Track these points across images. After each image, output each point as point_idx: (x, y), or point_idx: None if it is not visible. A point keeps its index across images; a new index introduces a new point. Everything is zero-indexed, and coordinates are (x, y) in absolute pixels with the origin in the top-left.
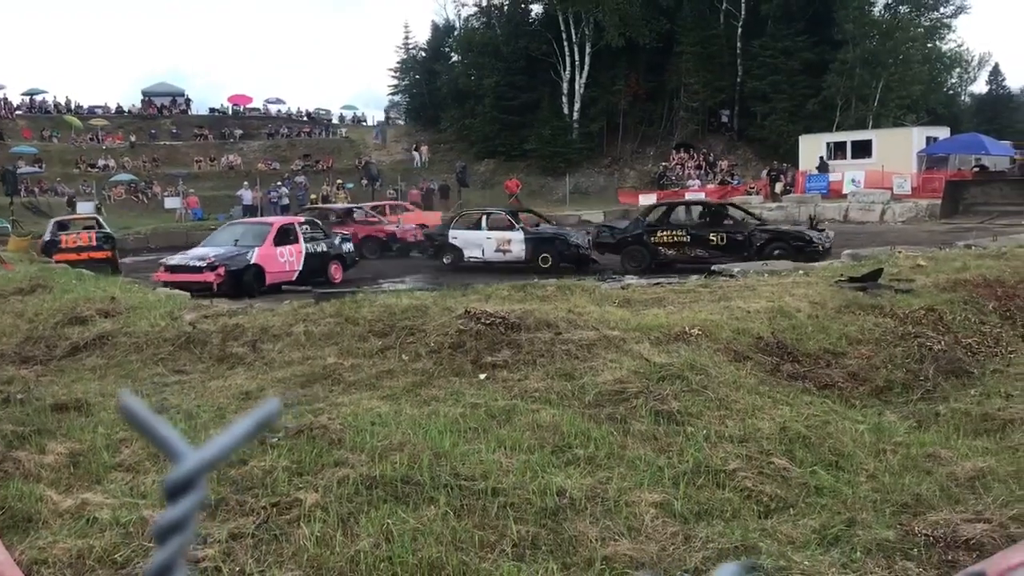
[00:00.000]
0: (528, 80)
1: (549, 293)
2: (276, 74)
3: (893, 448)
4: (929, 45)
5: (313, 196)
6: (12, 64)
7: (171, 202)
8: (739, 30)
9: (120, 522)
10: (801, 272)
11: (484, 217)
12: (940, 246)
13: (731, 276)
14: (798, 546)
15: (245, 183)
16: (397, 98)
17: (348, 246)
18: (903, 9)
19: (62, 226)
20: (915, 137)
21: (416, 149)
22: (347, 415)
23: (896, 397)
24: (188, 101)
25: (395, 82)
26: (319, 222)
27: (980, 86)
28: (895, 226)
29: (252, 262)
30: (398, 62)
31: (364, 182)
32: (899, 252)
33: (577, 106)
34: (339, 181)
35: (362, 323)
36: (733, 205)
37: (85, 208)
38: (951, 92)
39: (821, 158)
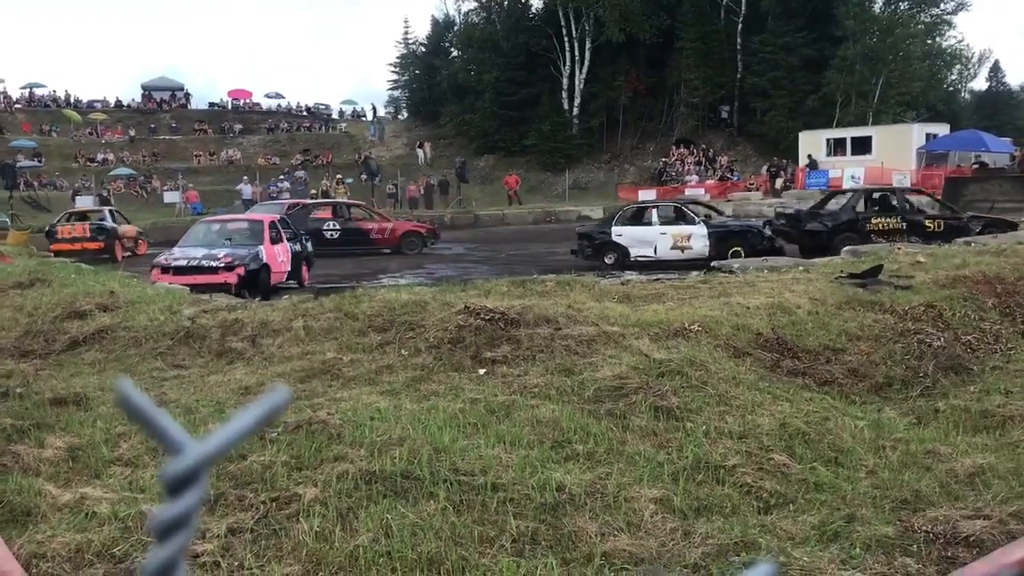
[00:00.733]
0: (528, 75)
1: (548, 289)
2: (276, 69)
3: (893, 444)
4: (929, 41)
5: (313, 191)
6: (11, 58)
7: (170, 196)
8: (739, 26)
9: (119, 516)
10: (801, 268)
11: (653, 210)
12: (939, 243)
13: (731, 272)
14: (797, 542)
15: (245, 178)
16: (396, 93)
17: (310, 245)
18: (903, 5)
19: (79, 217)
20: (915, 134)
21: (420, 146)
22: (346, 410)
23: (896, 393)
24: (188, 96)
25: (395, 77)
26: (288, 220)
27: (980, 83)
28: None
29: (264, 261)
30: (398, 57)
31: (363, 177)
32: (899, 249)
33: (577, 101)
34: (339, 176)
35: (361, 318)
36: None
37: (85, 202)
38: (951, 89)
39: (810, 156)
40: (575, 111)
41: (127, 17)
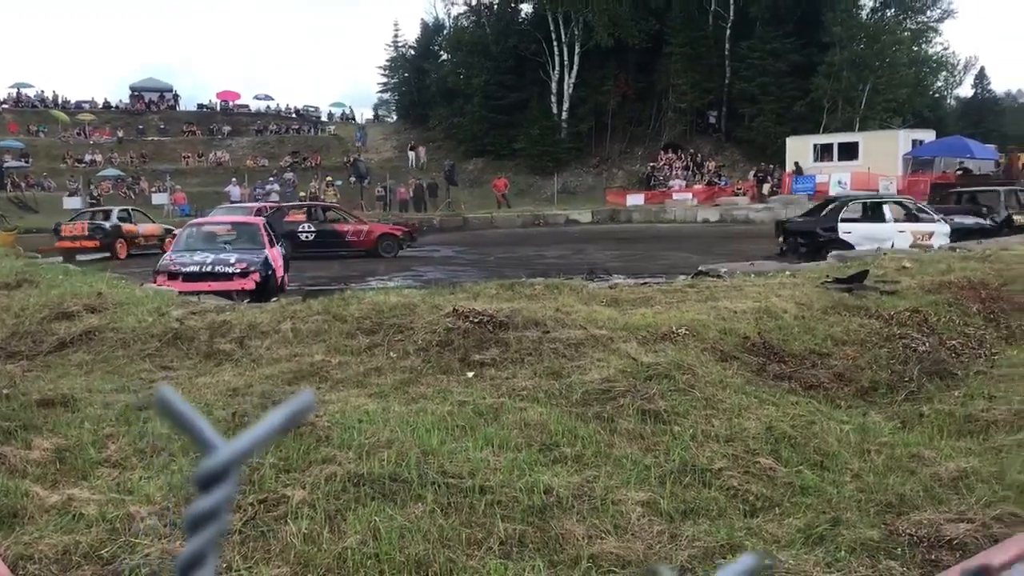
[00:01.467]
0: (517, 79)
1: (537, 292)
2: (265, 71)
3: (878, 448)
4: (915, 48)
5: (302, 193)
6: None
7: (158, 198)
8: (727, 31)
9: (106, 518)
10: (788, 273)
11: (884, 206)
12: (925, 248)
13: (718, 276)
14: (783, 545)
15: (233, 179)
16: (386, 96)
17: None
18: (890, 12)
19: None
20: (901, 140)
21: (412, 149)
22: (334, 412)
23: (881, 398)
24: (176, 97)
25: (384, 80)
26: (269, 223)
27: (966, 90)
28: None
29: (273, 266)
30: (387, 60)
31: (352, 179)
32: (884, 254)
33: (566, 106)
34: (328, 178)
35: (350, 320)
36: None
37: (72, 204)
38: (937, 95)
39: (796, 163)
40: (564, 115)
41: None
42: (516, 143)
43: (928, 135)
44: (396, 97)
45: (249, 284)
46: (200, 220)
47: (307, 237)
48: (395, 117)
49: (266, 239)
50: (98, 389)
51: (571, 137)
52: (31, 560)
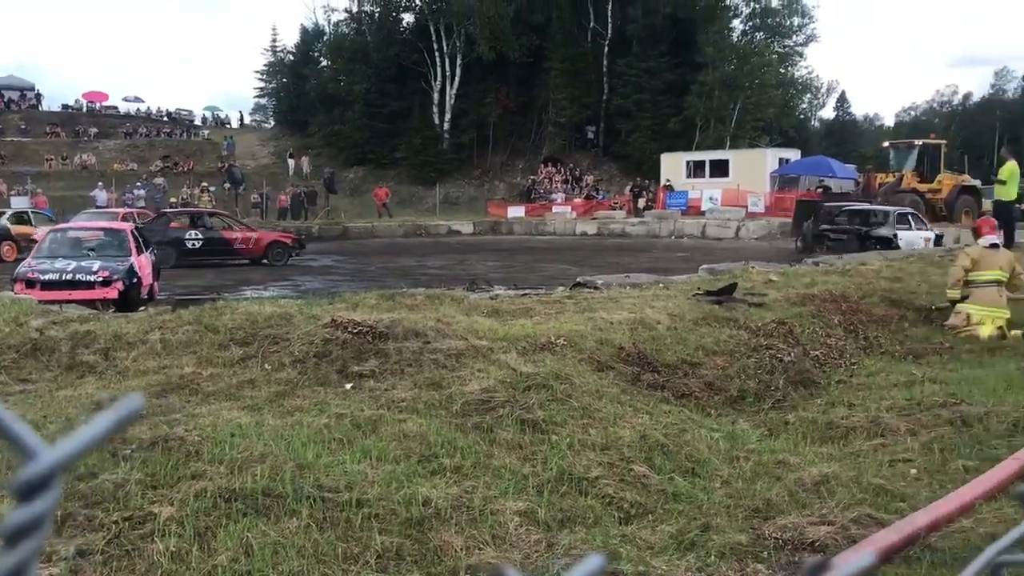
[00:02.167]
0: (399, 88)
1: (418, 302)
2: (135, 72)
3: (746, 455)
4: (782, 71)
5: (173, 199)
6: None
7: (18, 202)
8: (606, 49)
9: None
10: (661, 285)
11: (910, 216)
12: (791, 263)
13: (595, 288)
14: (656, 551)
15: (100, 183)
16: (264, 101)
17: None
18: (759, 36)
19: None
20: (769, 158)
21: (291, 156)
22: (205, 426)
23: (749, 406)
24: (39, 96)
25: (262, 85)
26: (141, 230)
27: (828, 112)
28: (749, 243)
29: (139, 275)
30: (265, 64)
31: (227, 186)
32: (753, 268)
33: (448, 117)
34: (204, 184)
35: (222, 331)
36: None
37: None
38: (802, 116)
39: (668, 181)
40: (446, 126)
41: None
42: (398, 152)
43: (794, 154)
44: (274, 102)
45: (112, 293)
46: (64, 225)
47: (194, 244)
48: (272, 123)
49: (133, 246)
50: None
51: (453, 148)
52: None
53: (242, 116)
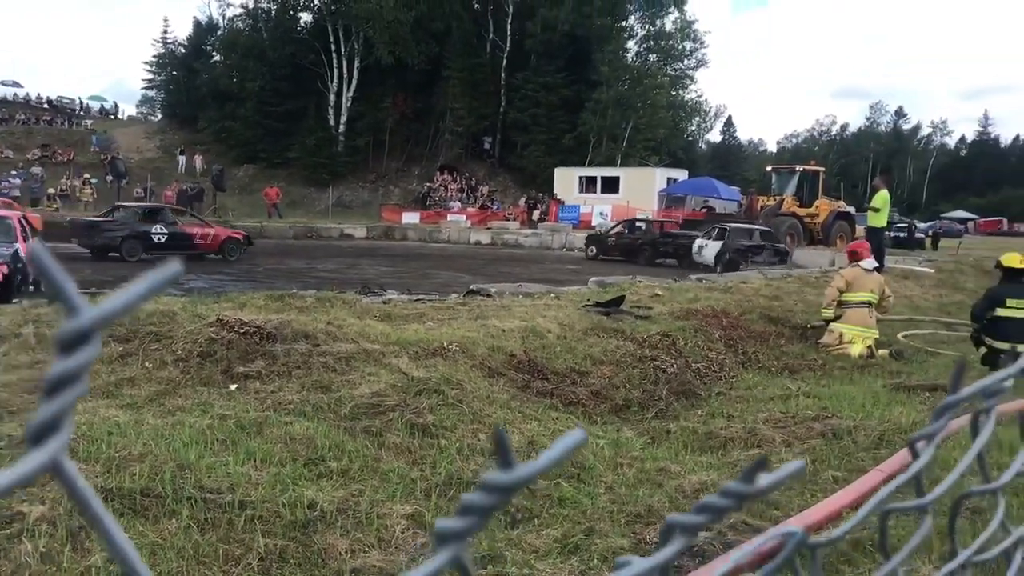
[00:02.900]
0: (294, 88)
1: (308, 304)
2: (14, 55)
3: (629, 462)
4: (673, 93)
5: (51, 190)
6: None
7: None
8: (504, 61)
9: None
10: (552, 295)
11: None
12: (675, 278)
13: (488, 296)
14: (541, 555)
15: None
16: (152, 93)
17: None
18: (652, 57)
19: None
20: (658, 177)
21: (181, 152)
22: (80, 424)
23: (633, 415)
24: None
25: (151, 76)
26: (26, 219)
27: (715, 135)
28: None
29: (23, 261)
30: (155, 56)
31: (109, 178)
32: (640, 281)
33: (344, 119)
34: (86, 176)
35: None
36: None
37: None
38: (690, 138)
39: (556, 195)
40: (342, 128)
41: None
42: (291, 152)
43: (682, 174)
44: (163, 95)
45: None
46: None
47: (159, 239)
48: (160, 116)
49: (19, 233)
50: None
51: (348, 151)
52: None
53: (116, 106)
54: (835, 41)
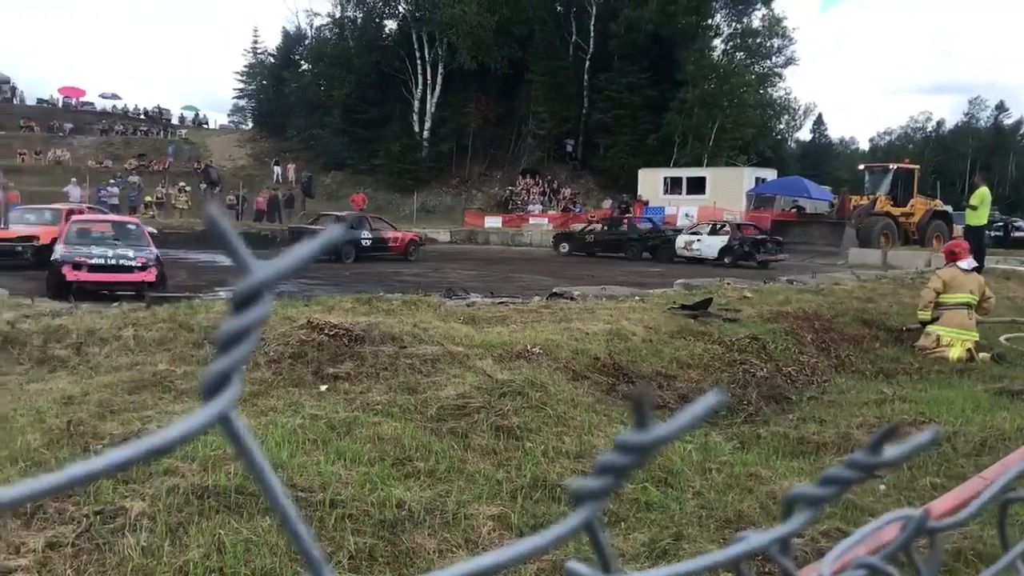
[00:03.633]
0: (379, 95)
1: (395, 307)
2: (113, 68)
3: (718, 467)
4: (761, 91)
5: (148, 198)
6: None
7: None
8: (587, 63)
9: None
10: (637, 298)
11: None
12: (765, 280)
13: (572, 298)
14: (628, 559)
15: (73, 179)
16: (242, 102)
17: None
18: (739, 55)
19: None
20: (745, 177)
21: (278, 163)
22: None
23: (722, 419)
24: (14, 90)
25: (241, 86)
26: None
27: (805, 134)
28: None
29: (162, 263)
30: (245, 66)
31: (203, 186)
32: (728, 284)
33: (428, 124)
34: (181, 184)
35: (197, 329)
36: None
37: None
38: (779, 137)
39: (639, 197)
40: (426, 134)
41: None
42: (376, 159)
43: (770, 174)
44: (253, 104)
45: (150, 277)
46: (83, 217)
47: (366, 243)
48: (251, 124)
49: (149, 238)
50: None
51: (432, 156)
52: None
53: (201, 117)
54: (930, 34)
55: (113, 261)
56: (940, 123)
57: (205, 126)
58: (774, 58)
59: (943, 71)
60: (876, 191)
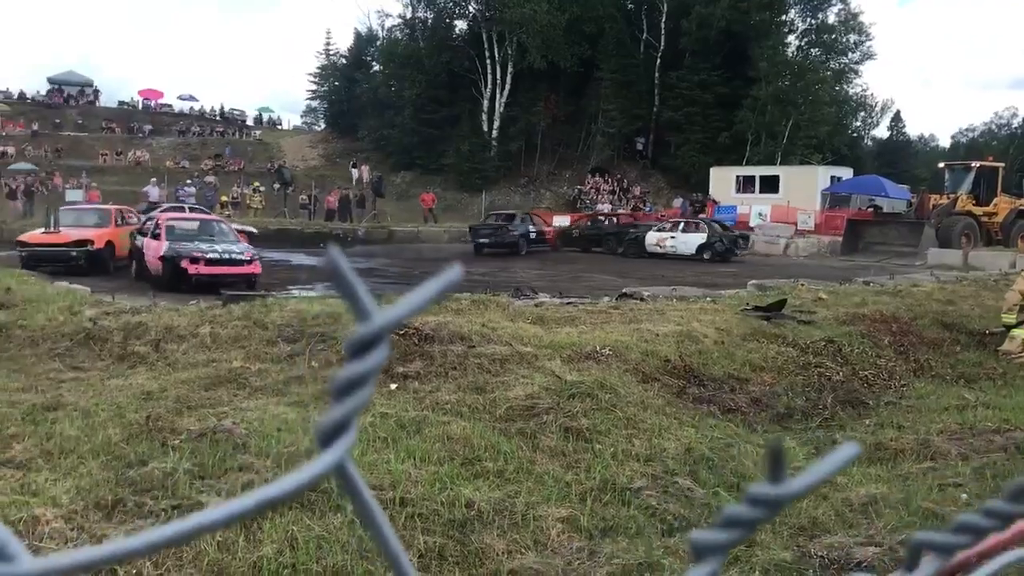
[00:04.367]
0: (449, 95)
1: (463, 307)
2: (191, 70)
3: (792, 473)
4: (836, 88)
5: (224, 197)
6: None
7: (72, 195)
8: (658, 61)
9: (9, 520)
10: (708, 299)
11: None
12: (840, 281)
13: (641, 299)
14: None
15: (153, 180)
16: (315, 103)
17: None
18: (814, 52)
19: None
20: (820, 176)
21: (355, 166)
22: (252, 420)
23: (796, 424)
24: (96, 92)
25: (314, 87)
26: None
27: (882, 131)
28: (798, 260)
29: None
30: (318, 67)
31: (276, 186)
32: (802, 285)
33: (497, 124)
34: (255, 184)
35: (271, 328)
36: None
37: None
38: (855, 134)
39: (711, 195)
40: (494, 133)
41: (35, 5)
42: (445, 158)
43: (846, 172)
44: (325, 105)
45: (256, 269)
46: (175, 215)
47: (533, 236)
48: (323, 125)
49: (237, 235)
50: (2, 388)
51: (500, 155)
52: None
53: (263, 117)
54: (1013, 27)
55: (227, 255)
56: None
57: (279, 127)
58: (850, 54)
59: None
60: (957, 190)
